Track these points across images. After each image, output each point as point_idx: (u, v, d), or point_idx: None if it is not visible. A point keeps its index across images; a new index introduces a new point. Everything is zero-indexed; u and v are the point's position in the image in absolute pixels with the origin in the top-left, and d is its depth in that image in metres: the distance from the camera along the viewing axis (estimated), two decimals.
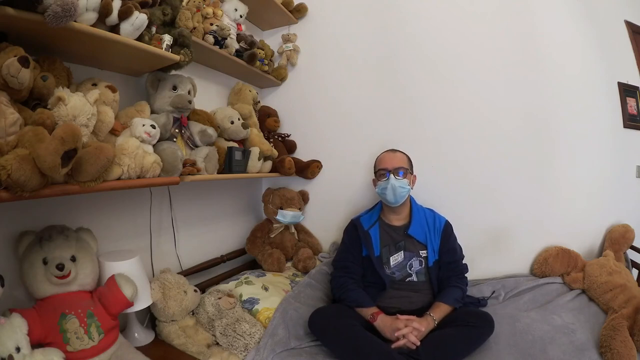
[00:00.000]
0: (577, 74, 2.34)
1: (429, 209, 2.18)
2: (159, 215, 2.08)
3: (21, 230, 1.43)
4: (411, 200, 2.17)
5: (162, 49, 1.65)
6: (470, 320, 1.71)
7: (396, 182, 1.99)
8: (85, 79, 1.58)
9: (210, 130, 2.01)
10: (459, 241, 2.13)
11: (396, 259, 2.01)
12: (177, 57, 1.71)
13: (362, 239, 2.07)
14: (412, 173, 2.12)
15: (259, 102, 2.78)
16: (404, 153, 2.15)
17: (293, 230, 2.74)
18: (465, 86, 2.38)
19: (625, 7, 2.63)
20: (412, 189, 2.09)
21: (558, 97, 2.29)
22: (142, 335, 1.76)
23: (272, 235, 2.64)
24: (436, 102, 2.45)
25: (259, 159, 2.36)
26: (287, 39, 2.90)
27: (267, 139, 2.69)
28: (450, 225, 2.12)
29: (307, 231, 2.84)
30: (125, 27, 1.44)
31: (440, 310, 1.83)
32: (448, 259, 2.02)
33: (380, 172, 2.07)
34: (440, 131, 2.45)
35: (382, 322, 1.79)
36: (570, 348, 1.66)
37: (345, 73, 2.75)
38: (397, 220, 2.12)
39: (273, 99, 3.02)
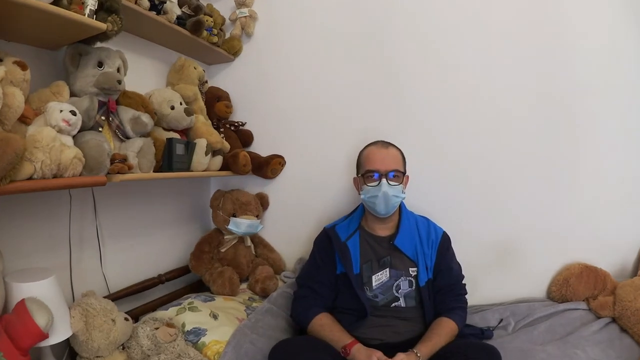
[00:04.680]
0: (605, 48, 2.25)
1: (422, 216, 2.22)
2: (80, 224, 2.06)
3: None
4: (401, 204, 2.15)
5: (84, 15, 1.63)
6: (471, 355, 1.68)
7: (389, 190, 1.97)
8: None
9: (145, 118, 2.00)
10: (458, 257, 2.15)
11: (380, 278, 2.01)
12: (103, 26, 1.69)
13: (337, 253, 2.07)
14: (404, 173, 2.11)
15: (206, 82, 2.77)
16: (398, 148, 2.14)
17: (249, 243, 2.75)
18: (467, 66, 2.41)
19: None
20: (405, 196, 2.09)
21: (581, 77, 2.26)
22: None
23: (223, 250, 2.64)
24: (431, 85, 2.48)
25: (207, 154, 2.35)
26: (241, 3, 2.89)
27: (217, 128, 2.70)
28: (449, 237, 2.15)
29: (266, 244, 2.85)
30: None
31: (432, 343, 1.79)
32: (443, 281, 2.04)
33: (368, 175, 2.04)
34: (436, 121, 2.48)
35: (357, 355, 1.75)
36: None
37: (317, 47, 2.75)
38: (383, 229, 2.13)
39: (224, 79, 3.03)
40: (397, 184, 2.01)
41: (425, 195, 2.40)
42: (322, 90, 2.74)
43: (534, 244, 2.36)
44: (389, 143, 2.14)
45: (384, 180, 1.98)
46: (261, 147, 2.93)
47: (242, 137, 2.90)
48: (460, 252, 2.15)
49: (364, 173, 2.07)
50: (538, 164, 2.33)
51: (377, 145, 2.13)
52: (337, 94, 2.70)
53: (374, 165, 2.03)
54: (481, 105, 2.39)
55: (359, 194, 2.13)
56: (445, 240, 2.12)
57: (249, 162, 2.66)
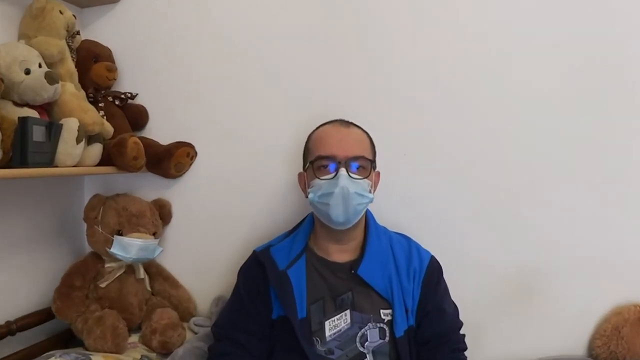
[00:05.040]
0: None
1: (399, 234, 2.09)
2: None
3: None
4: (368, 217, 2.02)
5: None
6: None
7: (350, 185, 1.78)
8: None
9: None
10: (454, 294, 2.01)
11: (336, 325, 1.87)
12: None
13: (273, 289, 1.91)
14: (375, 168, 1.95)
15: (77, 33, 2.52)
16: (363, 130, 1.99)
17: (142, 274, 2.56)
18: (473, 14, 2.25)
19: None
20: (373, 197, 1.91)
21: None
22: None
23: (103, 285, 2.44)
24: (422, 45, 2.30)
25: (79, 141, 2.13)
26: None
27: (94, 102, 2.49)
28: (439, 265, 2.01)
29: (168, 276, 2.70)
30: None
31: None
32: (432, 329, 1.89)
33: (320, 163, 1.86)
34: (425, 93, 2.30)
35: None
36: None
37: None
38: (341, 252, 1.98)
39: (104, 29, 2.81)
40: (361, 177, 1.84)
41: (405, 203, 2.29)
42: (255, 48, 2.52)
43: (569, 276, 2.19)
44: (350, 122, 2.00)
45: (342, 171, 1.79)
46: (160, 130, 2.72)
47: (132, 115, 2.69)
48: (458, 286, 2.03)
49: (314, 160, 1.90)
50: (576, 161, 2.15)
51: (333, 124, 1.99)
52: (277, 53, 2.50)
53: (329, 150, 1.86)
54: (492, 75, 2.22)
55: (306, 196, 1.95)
56: (434, 268, 1.97)
57: (142, 153, 2.44)
